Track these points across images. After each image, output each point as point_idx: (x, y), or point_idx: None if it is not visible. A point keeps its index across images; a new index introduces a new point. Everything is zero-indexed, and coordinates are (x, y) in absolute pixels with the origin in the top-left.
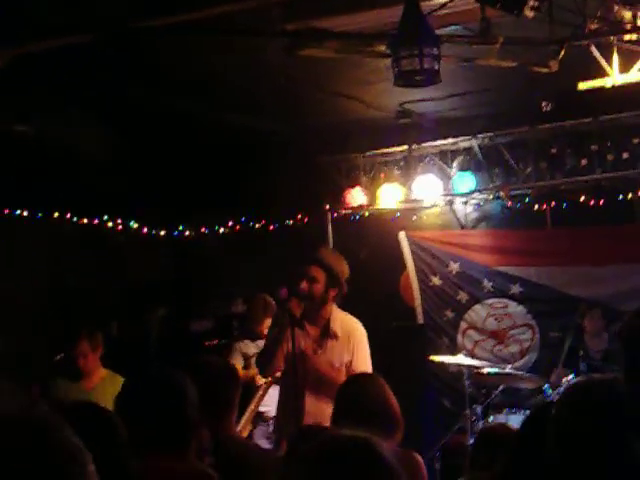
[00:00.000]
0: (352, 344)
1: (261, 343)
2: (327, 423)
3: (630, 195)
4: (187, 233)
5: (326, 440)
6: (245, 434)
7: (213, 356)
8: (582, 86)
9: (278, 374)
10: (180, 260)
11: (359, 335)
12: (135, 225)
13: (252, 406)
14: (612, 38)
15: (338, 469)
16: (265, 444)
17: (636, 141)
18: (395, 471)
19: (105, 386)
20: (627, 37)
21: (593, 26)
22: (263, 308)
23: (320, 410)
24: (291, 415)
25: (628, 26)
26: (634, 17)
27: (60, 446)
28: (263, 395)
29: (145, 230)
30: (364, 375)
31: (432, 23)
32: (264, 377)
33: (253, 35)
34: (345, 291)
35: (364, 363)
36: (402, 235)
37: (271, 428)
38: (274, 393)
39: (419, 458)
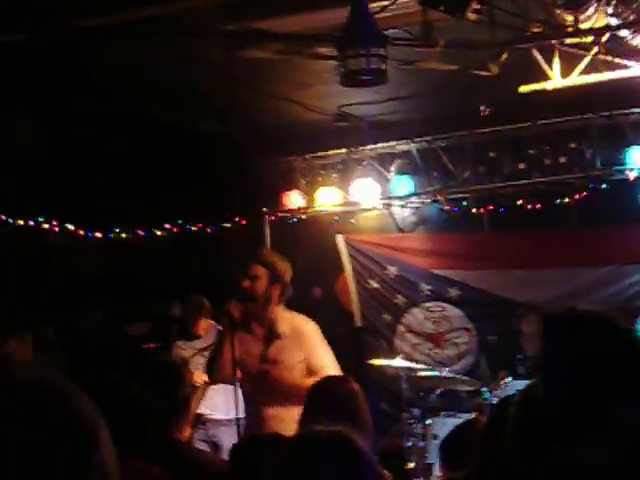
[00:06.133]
0: (303, 341)
1: (197, 344)
2: (288, 425)
3: (567, 199)
4: (123, 235)
5: (305, 436)
6: (186, 436)
7: (155, 357)
8: (523, 89)
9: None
10: (117, 263)
11: (309, 331)
12: (71, 227)
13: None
14: (554, 41)
15: (321, 462)
16: (203, 447)
17: (573, 145)
18: (373, 462)
19: None
20: (569, 41)
21: (535, 29)
22: (196, 308)
23: (279, 412)
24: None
25: (570, 29)
26: (576, 21)
27: (78, 414)
28: (201, 397)
29: (81, 232)
30: (335, 377)
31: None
32: (212, 383)
33: (192, 36)
34: (290, 292)
35: (322, 358)
36: (340, 238)
37: (210, 431)
38: (212, 395)
39: (386, 473)
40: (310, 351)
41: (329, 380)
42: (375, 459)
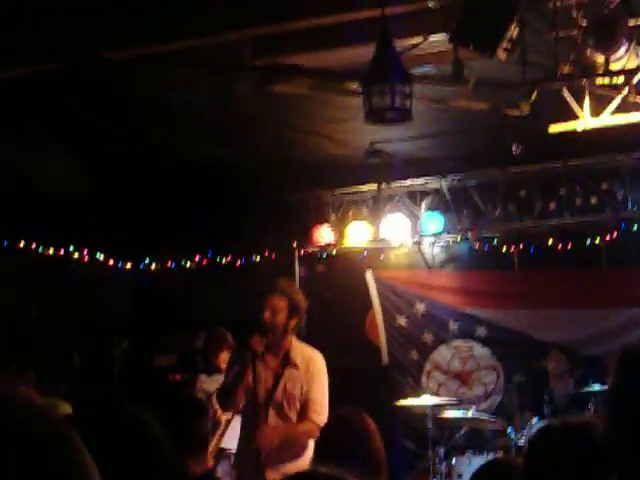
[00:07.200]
0: (310, 376)
1: (218, 377)
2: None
3: (597, 240)
4: (153, 266)
5: (299, 476)
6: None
7: (179, 389)
8: (553, 129)
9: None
10: (146, 293)
11: (317, 365)
12: (101, 256)
13: (214, 442)
14: (584, 81)
15: None
16: None
17: (605, 186)
18: None
19: None
20: (599, 81)
21: (565, 69)
22: (218, 342)
23: (274, 451)
24: (251, 450)
25: (600, 70)
26: (606, 61)
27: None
28: (224, 431)
29: (111, 262)
30: (351, 413)
31: (404, 63)
32: (224, 412)
33: (224, 69)
34: (303, 321)
35: (320, 393)
36: (369, 274)
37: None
38: (236, 429)
39: None
40: (312, 387)
41: (344, 415)
42: None
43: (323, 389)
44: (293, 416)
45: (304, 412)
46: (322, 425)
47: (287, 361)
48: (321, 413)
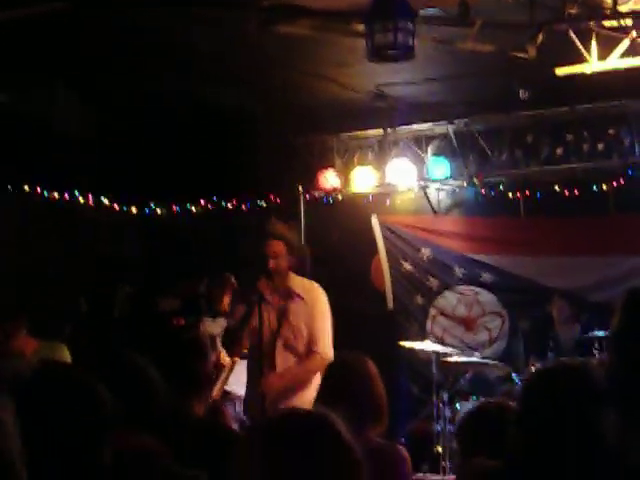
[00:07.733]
0: (312, 310)
1: (222, 321)
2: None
3: (604, 186)
4: (158, 211)
5: (282, 415)
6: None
7: (181, 332)
8: (560, 72)
9: (245, 350)
10: (150, 237)
11: (316, 294)
12: (106, 201)
13: (218, 386)
14: (591, 23)
15: (292, 444)
16: (232, 424)
17: (612, 132)
18: (352, 450)
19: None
20: (607, 23)
21: (572, 10)
22: (222, 286)
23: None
24: (257, 394)
25: (608, 12)
26: (614, 2)
27: None
28: (228, 375)
29: (116, 206)
30: (353, 357)
31: (411, 4)
32: (230, 355)
33: (229, 8)
34: (306, 258)
35: (321, 322)
36: (375, 219)
37: (237, 408)
38: (241, 372)
39: (404, 453)
40: (314, 316)
41: (347, 360)
42: (356, 446)
43: (324, 317)
44: (301, 347)
45: (310, 344)
46: (325, 356)
47: (289, 294)
48: (324, 341)
